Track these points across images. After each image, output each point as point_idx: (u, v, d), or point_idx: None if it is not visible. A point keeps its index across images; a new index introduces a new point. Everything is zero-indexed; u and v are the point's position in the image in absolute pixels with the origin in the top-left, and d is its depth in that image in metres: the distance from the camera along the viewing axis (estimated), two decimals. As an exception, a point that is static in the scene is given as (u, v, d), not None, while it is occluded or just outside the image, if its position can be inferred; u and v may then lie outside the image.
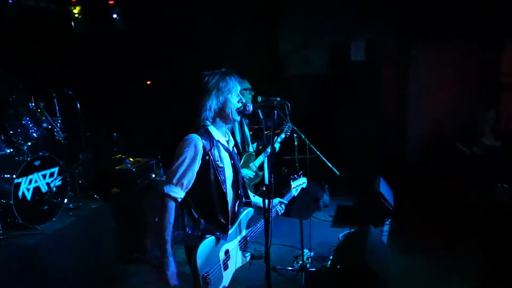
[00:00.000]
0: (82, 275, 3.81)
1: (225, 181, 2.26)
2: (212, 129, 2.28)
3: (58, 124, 4.20)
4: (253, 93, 4.15)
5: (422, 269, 3.97)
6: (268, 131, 4.95)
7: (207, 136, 2.22)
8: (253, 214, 2.51)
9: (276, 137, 3.86)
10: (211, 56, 6.48)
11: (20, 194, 3.56)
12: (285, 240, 4.60)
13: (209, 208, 2.26)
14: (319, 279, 3.72)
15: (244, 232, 2.43)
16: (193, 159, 2.14)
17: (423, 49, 6.27)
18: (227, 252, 2.31)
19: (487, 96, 5.97)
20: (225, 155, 2.32)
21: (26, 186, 3.63)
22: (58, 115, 4.26)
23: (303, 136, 3.89)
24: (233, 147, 2.41)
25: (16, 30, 5.24)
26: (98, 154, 5.11)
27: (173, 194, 2.12)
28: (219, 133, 2.31)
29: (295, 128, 3.87)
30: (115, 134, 5.23)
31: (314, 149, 3.93)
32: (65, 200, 4.01)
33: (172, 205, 2.13)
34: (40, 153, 3.83)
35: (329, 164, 3.99)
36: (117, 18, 5.88)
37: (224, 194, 2.26)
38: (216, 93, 2.22)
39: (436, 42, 6.12)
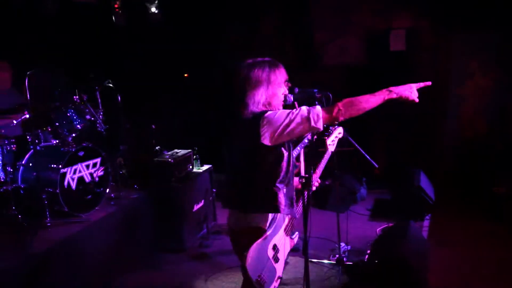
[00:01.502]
0: (121, 262, 3.94)
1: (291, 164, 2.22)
2: None
3: (101, 116, 4.34)
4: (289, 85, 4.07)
5: (463, 264, 3.83)
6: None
7: None
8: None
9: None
10: (244, 45, 6.47)
11: (65, 183, 3.72)
12: (322, 233, 4.57)
13: (281, 190, 2.16)
14: (356, 273, 3.67)
15: (286, 219, 2.39)
16: None
17: (464, 35, 5.98)
18: (275, 246, 2.27)
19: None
20: None
21: (71, 175, 3.78)
22: (100, 107, 4.40)
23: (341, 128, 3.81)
24: None
25: (60, 25, 5.44)
26: (137, 145, 5.25)
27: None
28: None
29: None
30: (153, 126, 5.34)
31: (352, 141, 3.86)
32: (107, 190, 4.15)
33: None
34: (84, 144, 3.98)
35: (368, 157, 3.91)
36: (156, 11, 5.98)
37: (291, 179, 2.21)
38: (266, 87, 2.11)
39: (477, 27, 5.82)
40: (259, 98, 2.09)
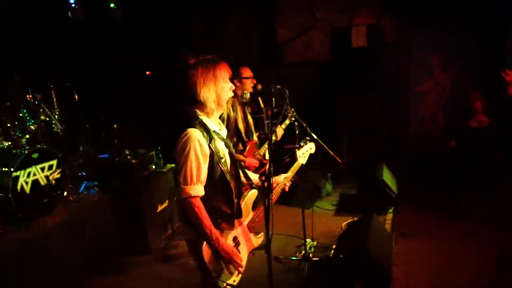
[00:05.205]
0: (83, 267, 3.79)
1: (227, 171, 2.22)
2: (207, 120, 2.22)
3: (56, 116, 4.15)
4: (254, 82, 4.03)
5: (426, 256, 3.94)
6: (268, 120, 4.89)
7: (204, 128, 2.16)
8: (258, 195, 2.46)
9: (277, 124, 3.80)
10: (208, 42, 6.39)
11: (18, 187, 3.53)
12: (288, 230, 4.57)
13: (213, 200, 2.20)
14: (322, 268, 3.69)
15: (250, 215, 2.41)
16: (200, 152, 2.10)
17: (424, 32, 6.16)
18: (235, 239, 2.29)
19: (491, 79, 5.85)
20: (222, 144, 2.26)
21: (25, 179, 3.58)
22: (55, 107, 4.21)
23: (304, 124, 3.82)
24: (226, 135, 2.36)
25: (12, 20, 5.16)
26: (98, 145, 5.07)
27: (198, 193, 2.11)
28: (213, 123, 2.26)
29: (296, 116, 3.80)
30: (114, 126, 5.17)
31: (316, 137, 3.87)
32: (65, 193, 3.98)
33: (200, 202, 2.11)
34: (38, 146, 3.79)
35: (331, 152, 3.93)
36: (115, 7, 5.79)
37: (228, 184, 2.21)
38: (213, 82, 2.17)
39: (437, 25, 6.01)
40: (209, 94, 2.16)
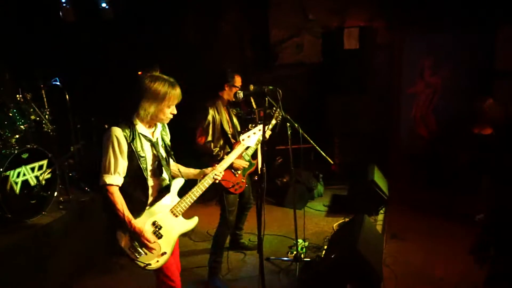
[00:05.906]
0: (73, 268, 3.76)
1: (146, 169, 2.42)
2: (139, 124, 2.40)
3: (47, 116, 4.12)
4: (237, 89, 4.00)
5: (415, 256, 3.97)
6: (260, 120, 4.89)
7: (129, 128, 2.36)
8: (184, 183, 2.60)
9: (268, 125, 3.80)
10: (201, 44, 6.37)
11: (8, 187, 3.49)
12: (279, 231, 4.58)
13: (132, 190, 2.40)
14: (313, 269, 3.70)
15: (175, 200, 2.53)
16: (119, 148, 2.31)
17: (416, 35, 6.22)
18: (154, 223, 2.43)
19: (480, 83, 5.93)
20: (147, 145, 2.44)
21: (14, 179, 3.56)
22: (46, 106, 4.17)
23: (296, 125, 3.83)
24: (157, 138, 2.52)
25: (2, 19, 5.11)
26: (89, 146, 5.04)
27: (115, 183, 2.32)
28: (145, 128, 2.43)
29: (288, 117, 3.81)
30: (105, 126, 5.14)
31: (308, 138, 3.88)
32: (55, 193, 3.95)
33: (116, 189, 2.33)
34: (28, 146, 3.75)
35: (323, 154, 3.94)
36: (106, 7, 5.76)
37: (144, 180, 2.41)
38: (160, 101, 2.33)
39: (428, 28, 6.06)
40: (150, 110, 2.34)
